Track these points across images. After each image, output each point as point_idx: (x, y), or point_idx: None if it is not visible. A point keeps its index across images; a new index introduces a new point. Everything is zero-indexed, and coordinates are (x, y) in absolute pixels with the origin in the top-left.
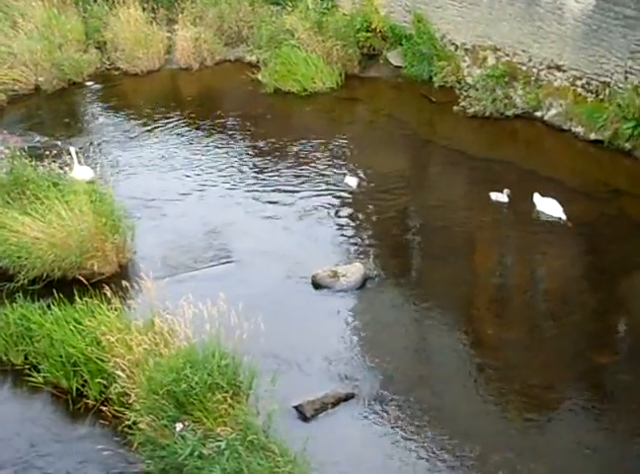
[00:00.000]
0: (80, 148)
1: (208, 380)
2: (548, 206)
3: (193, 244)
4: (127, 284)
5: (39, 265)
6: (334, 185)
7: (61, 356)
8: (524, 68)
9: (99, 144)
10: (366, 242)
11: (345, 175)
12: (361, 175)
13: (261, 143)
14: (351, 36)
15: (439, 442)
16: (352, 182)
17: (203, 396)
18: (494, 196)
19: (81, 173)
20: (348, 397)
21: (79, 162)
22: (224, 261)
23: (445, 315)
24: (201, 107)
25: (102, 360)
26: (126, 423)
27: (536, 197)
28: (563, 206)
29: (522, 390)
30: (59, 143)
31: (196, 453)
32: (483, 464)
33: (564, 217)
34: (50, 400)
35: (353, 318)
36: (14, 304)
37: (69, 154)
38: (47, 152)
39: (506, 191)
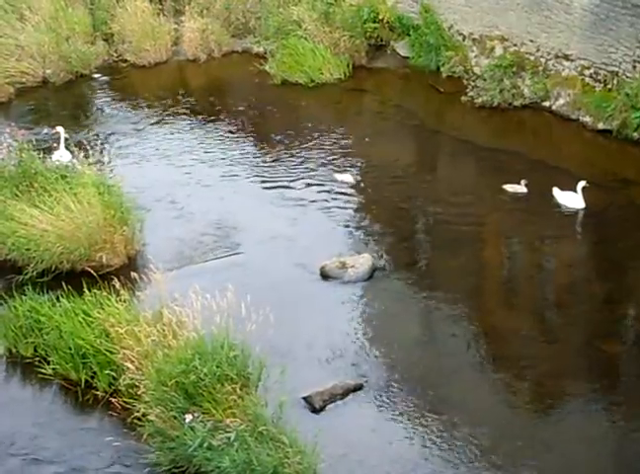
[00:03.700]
0: (88, 141)
1: (217, 372)
2: (568, 199)
3: (201, 236)
4: (136, 276)
5: (47, 257)
6: None
7: (70, 348)
8: (532, 58)
9: (106, 136)
10: (374, 233)
11: (342, 172)
12: (370, 166)
13: (268, 135)
14: (358, 26)
15: (447, 433)
16: (346, 178)
17: (213, 387)
18: (511, 188)
19: (59, 156)
20: (356, 388)
21: (65, 146)
22: (233, 252)
23: (454, 306)
24: (209, 98)
25: (111, 352)
26: (136, 414)
27: (556, 191)
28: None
29: (531, 380)
30: (67, 136)
31: (205, 444)
32: (492, 453)
33: (583, 208)
34: (60, 392)
35: (361, 309)
36: (23, 296)
37: (58, 136)
38: (55, 144)
39: (523, 181)
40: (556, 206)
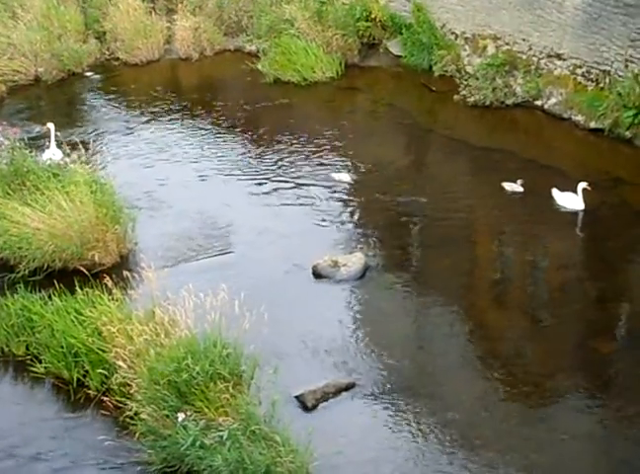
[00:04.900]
0: (80, 139)
1: (210, 370)
2: (567, 200)
3: (193, 234)
4: (128, 275)
5: (39, 256)
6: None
7: (62, 347)
8: (525, 57)
9: (98, 134)
10: (367, 232)
11: (339, 172)
12: (362, 165)
13: (260, 133)
14: (350, 25)
15: (439, 431)
16: (343, 177)
17: (205, 386)
18: (508, 186)
19: (50, 155)
20: (349, 387)
21: (56, 144)
22: (225, 251)
23: (447, 304)
24: (201, 97)
25: (103, 351)
26: (128, 413)
27: (555, 192)
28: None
29: (524, 379)
30: (59, 134)
31: (197, 443)
32: (485, 452)
33: (582, 210)
34: (52, 390)
35: (353, 308)
36: (15, 295)
37: (48, 134)
38: (48, 143)
39: (519, 181)
40: (551, 205)
